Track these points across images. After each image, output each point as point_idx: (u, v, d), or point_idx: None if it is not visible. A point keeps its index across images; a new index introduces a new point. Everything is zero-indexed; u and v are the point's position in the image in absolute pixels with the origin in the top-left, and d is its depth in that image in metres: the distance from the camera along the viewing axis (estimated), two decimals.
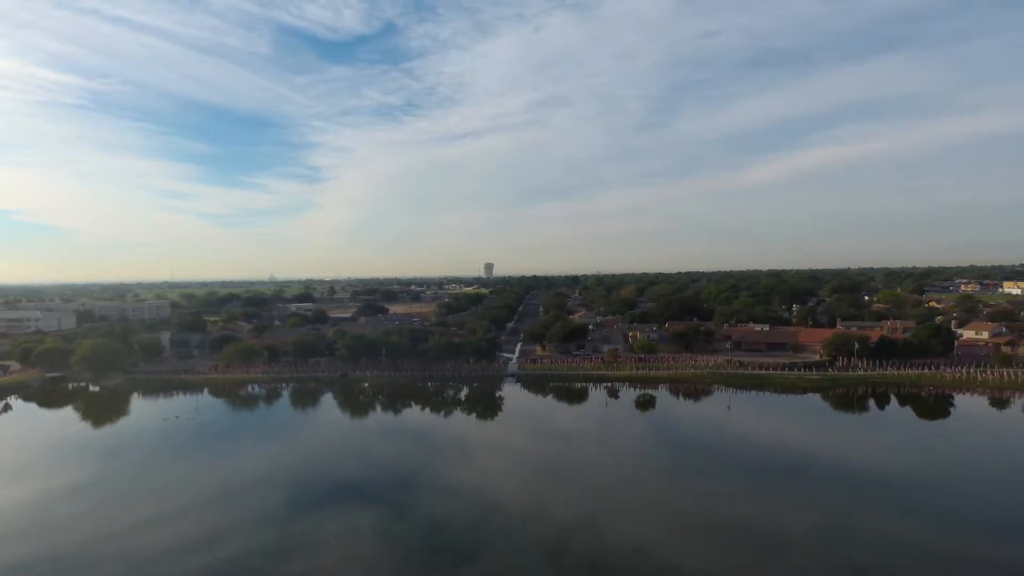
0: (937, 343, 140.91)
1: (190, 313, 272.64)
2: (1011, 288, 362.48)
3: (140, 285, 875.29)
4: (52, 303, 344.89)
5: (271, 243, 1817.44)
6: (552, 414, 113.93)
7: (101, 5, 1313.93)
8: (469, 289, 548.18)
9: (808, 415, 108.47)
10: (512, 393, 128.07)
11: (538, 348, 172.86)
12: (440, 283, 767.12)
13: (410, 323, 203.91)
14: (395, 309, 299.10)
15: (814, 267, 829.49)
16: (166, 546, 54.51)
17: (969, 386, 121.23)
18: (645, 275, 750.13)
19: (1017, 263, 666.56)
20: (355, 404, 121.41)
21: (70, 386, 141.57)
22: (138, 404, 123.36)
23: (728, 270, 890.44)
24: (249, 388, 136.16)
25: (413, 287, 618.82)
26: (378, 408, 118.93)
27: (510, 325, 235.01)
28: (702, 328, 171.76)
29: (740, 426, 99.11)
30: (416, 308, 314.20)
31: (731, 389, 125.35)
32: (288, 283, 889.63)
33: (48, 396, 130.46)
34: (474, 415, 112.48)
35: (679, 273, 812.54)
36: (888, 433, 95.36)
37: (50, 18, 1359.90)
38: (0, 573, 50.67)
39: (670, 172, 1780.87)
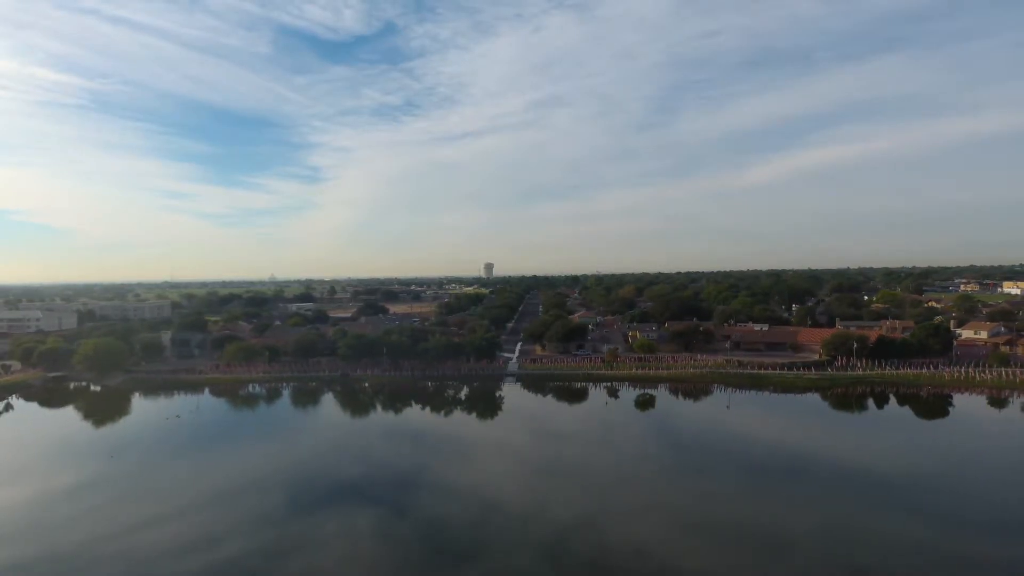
0: (936, 343, 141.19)
1: (191, 313, 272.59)
2: (1010, 288, 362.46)
3: (140, 285, 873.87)
4: (53, 303, 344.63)
5: (271, 243, 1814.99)
6: (552, 414, 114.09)
7: (101, 5, 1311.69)
8: (469, 289, 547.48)
9: (807, 415, 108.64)
10: (512, 393, 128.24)
11: (538, 348, 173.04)
12: (440, 283, 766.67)
13: (410, 323, 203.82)
14: (395, 309, 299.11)
15: (813, 267, 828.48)
16: (166, 546, 54.58)
17: (968, 386, 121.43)
18: (645, 275, 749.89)
19: (1017, 263, 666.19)
20: (355, 404, 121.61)
21: (71, 386, 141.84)
22: (139, 404, 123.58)
23: (728, 270, 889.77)
24: (250, 388, 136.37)
25: (413, 287, 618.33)
26: (378, 408, 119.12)
27: (510, 325, 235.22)
28: (701, 328, 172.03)
29: (740, 426, 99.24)
30: (416, 308, 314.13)
31: (730, 389, 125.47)
32: (288, 283, 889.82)
33: (49, 396, 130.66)
34: (474, 415, 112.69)
35: (679, 273, 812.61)
36: (887, 433, 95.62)
37: (50, 18, 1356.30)
38: (0, 573, 50.78)
39: (670, 172, 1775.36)
